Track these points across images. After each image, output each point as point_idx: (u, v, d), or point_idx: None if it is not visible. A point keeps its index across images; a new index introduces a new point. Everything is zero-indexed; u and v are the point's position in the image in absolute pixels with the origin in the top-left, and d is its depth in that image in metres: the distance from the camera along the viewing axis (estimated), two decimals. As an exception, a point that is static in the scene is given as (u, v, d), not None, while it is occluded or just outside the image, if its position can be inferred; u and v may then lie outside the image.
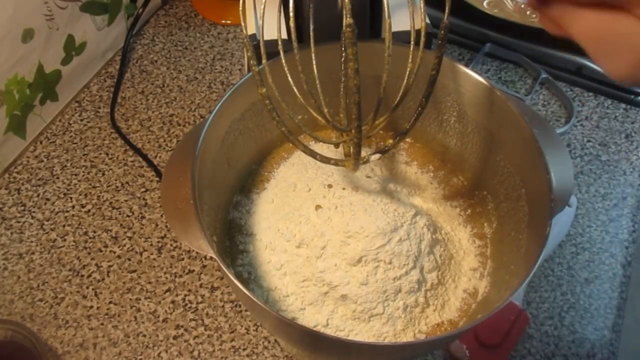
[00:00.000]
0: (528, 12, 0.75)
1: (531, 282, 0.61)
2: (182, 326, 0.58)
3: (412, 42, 0.42)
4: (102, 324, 0.58)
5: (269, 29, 0.43)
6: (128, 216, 0.64)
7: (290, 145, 0.56)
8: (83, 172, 0.67)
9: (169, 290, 0.60)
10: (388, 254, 0.46)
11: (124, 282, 0.60)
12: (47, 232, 0.63)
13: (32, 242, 0.62)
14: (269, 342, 0.57)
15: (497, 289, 0.48)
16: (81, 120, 0.72)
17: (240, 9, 0.42)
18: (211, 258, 0.46)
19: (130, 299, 0.59)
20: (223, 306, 0.59)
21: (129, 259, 0.62)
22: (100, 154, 0.69)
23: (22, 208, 0.64)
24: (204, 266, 0.61)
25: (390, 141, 0.47)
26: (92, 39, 0.72)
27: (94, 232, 0.63)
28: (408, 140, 0.59)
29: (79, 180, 0.67)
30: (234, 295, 0.59)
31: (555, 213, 0.43)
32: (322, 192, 0.52)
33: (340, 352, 0.43)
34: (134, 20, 0.78)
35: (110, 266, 0.61)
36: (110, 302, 0.59)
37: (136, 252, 0.62)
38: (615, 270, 0.63)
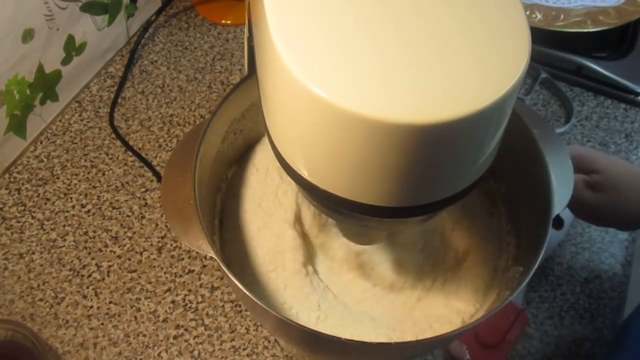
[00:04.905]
0: (527, 12, 0.75)
1: (531, 282, 0.61)
2: (182, 326, 0.58)
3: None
4: (102, 323, 0.58)
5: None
6: (128, 216, 0.64)
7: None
8: (83, 172, 0.67)
9: (169, 290, 0.60)
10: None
11: (124, 282, 0.60)
12: (47, 232, 0.63)
13: (32, 242, 0.62)
14: (269, 342, 0.57)
15: (497, 288, 0.48)
16: (81, 120, 0.72)
17: (247, 9, 0.42)
18: (211, 258, 0.46)
19: (131, 299, 0.59)
20: (223, 306, 0.59)
21: (129, 259, 0.62)
22: (100, 154, 0.69)
23: (23, 208, 0.64)
24: (204, 266, 0.61)
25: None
26: (92, 39, 0.72)
27: (94, 232, 0.63)
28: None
29: (79, 180, 0.67)
30: (234, 295, 0.59)
31: (555, 213, 0.43)
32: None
33: (340, 352, 0.43)
34: (146, 24, 0.79)
35: (110, 266, 0.61)
36: (110, 302, 0.59)
37: (136, 252, 0.62)
38: (615, 270, 0.63)
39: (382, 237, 0.46)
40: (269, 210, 0.51)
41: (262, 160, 0.54)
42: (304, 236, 0.51)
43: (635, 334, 0.49)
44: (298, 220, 0.51)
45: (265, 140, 0.54)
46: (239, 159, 0.54)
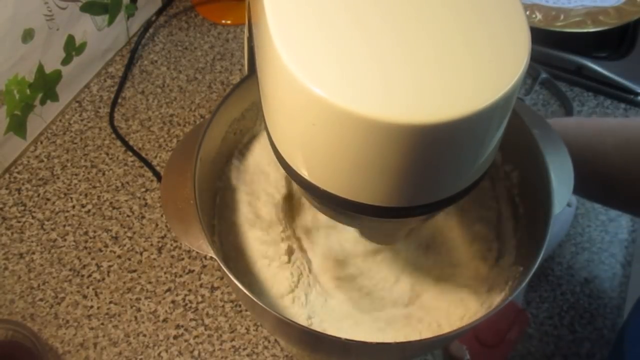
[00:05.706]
0: (527, 12, 0.75)
1: (531, 282, 0.62)
2: (182, 326, 0.58)
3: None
4: (102, 323, 0.58)
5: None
6: (128, 216, 0.64)
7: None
8: (83, 172, 0.67)
9: (169, 290, 0.60)
10: None
11: (124, 282, 0.60)
12: (47, 232, 0.63)
13: (32, 242, 0.62)
14: (269, 342, 0.57)
15: (497, 289, 0.48)
16: (81, 120, 0.72)
17: (247, 9, 0.42)
18: (211, 258, 0.46)
19: (131, 299, 0.59)
20: (223, 306, 0.59)
21: (129, 259, 0.62)
22: (100, 154, 0.69)
23: (23, 208, 0.64)
24: (204, 266, 0.61)
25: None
26: (93, 39, 0.72)
27: (94, 232, 0.63)
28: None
29: (79, 180, 0.67)
30: (234, 295, 0.59)
31: (555, 213, 0.43)
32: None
33: (339, 351, 0.43)
34: (147, 24, 0.79)
35: (110, 266, 0.61)
36: (110, 302, 0.59)
37: (136, 252, 0.62)
38: (615, 270, 0.63)
39: (402, 236, 0.45)
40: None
41: (257, 158, 0.54)
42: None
43: (633, 338, 0.48)
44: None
45: (262, 138, 0.54)
46: (238, 159, 0.54)
